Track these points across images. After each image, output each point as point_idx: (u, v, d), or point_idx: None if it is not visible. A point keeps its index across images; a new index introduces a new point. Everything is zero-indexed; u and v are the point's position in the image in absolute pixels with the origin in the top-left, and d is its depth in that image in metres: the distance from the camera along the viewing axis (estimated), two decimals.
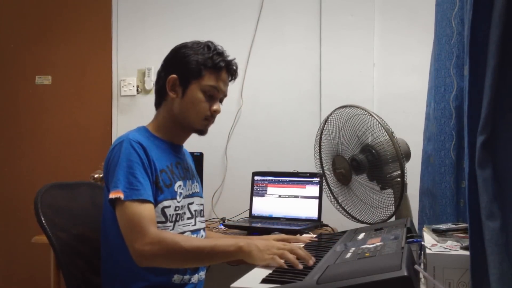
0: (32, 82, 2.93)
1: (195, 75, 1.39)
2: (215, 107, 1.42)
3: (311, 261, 1.10)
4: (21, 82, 2.95)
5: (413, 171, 1.71)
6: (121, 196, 1.23)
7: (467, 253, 0.93)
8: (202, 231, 1.51)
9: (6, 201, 2.93)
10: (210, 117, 1.43)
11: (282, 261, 1.11)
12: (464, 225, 1.25)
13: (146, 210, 1.24)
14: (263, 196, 2.31)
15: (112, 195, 1.24)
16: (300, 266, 1.08)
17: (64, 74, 2.90)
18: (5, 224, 2.92)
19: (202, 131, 1.45)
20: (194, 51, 1.40)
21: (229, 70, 1.45)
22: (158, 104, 1.47)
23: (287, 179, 2.29)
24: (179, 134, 1.47)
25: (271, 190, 2.31)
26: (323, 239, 1.55)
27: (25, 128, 2.94)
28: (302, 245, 1.44)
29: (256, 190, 2.34)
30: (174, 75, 1.39)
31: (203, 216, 1.54)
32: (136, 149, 1.29)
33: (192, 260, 1.28)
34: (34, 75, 2.93)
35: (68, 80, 2.89)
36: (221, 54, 1.42)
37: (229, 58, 1.45)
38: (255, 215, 2.31)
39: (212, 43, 1.44)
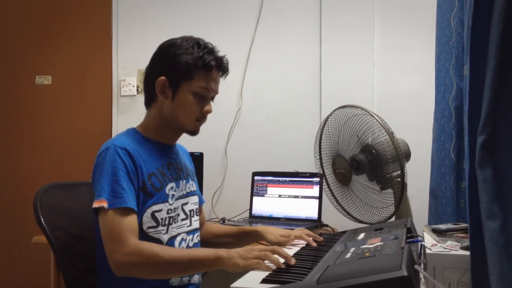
0: (32, 82, 2.93)
1: (185, 77, 1.33)
2: (206, 107, 1.39)
3: (293, 260, 1.12)
4: (21, 82, 2.95)
5: (413, 171, 1.71)
6: (105, 205, 1.22)
7: (467, 253, 0.93)
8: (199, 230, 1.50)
9: (6, 201, 2.93)
10: (202, 118, 1.40)
11: (269, 264, 1.11)
12: (464, 225, 1.25)
13: (128, 220, 1.22)
14: (263, 196, 2.32)
15: (95, 204, 1.23)
16: (282, 265, 1.09)
17: (64, 74, 2.89)
18: (5, 224, 2.92)
19: (193, 132, 1.42)
20: (183, 50, 1.34)
21: (221, 67, 1.39)
22: (147, 104, 1.43)
23: (287, 179, 2.29)
24: (170, 134, 1.44)
25: (271, 190, 2.31)
26: (323, 239, 1.55)
27: (25, 128, 2.93)
28: (302, 244, 1.45)
29: (256, 190, 2.34)
30: (163, 77, 1.34)
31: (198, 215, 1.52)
32: (121, 155, 1.27)
33: (170, 271, 1.25)
34: (34, 75, 2.92)
35: (68, 80, 2.89)
36: (211, 51, 1.36)
37: (220, 54, 1.39)
38: (255, 215, 2.31)
39: (201, 40, 1.38)
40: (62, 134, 2.88)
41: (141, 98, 2.74)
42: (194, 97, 1.36)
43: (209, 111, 1.40)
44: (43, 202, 1.40)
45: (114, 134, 2.80)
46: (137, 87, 2.78)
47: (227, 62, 1.42)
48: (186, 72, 1.33)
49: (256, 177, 2.35)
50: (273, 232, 1.51)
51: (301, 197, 2.22)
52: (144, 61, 2.71)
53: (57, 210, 1.44)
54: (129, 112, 2.80)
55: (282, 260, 1.12)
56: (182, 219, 1.42)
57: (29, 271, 2.84)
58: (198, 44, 1.36)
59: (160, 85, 1.35)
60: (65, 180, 1.81)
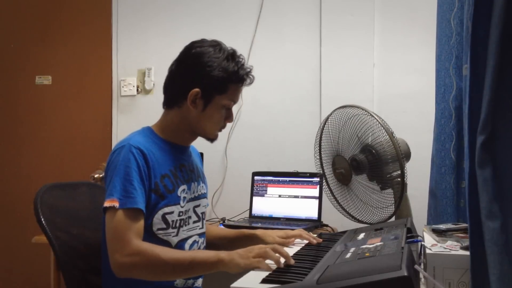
0: (32, 82, 2.93)
1: (219, 91, 1.34)
2: (230, 117, 1.42)
3: (292, 260, 1.13)
4: (21, 82, 2.95)
5: (413, 171, 1.71)
6: (116, 204, 1.21)
7: (467, 253, 0.93)
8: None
9: (6, 201, 2.93)
10: (223, 127, 1.44)
11: (269, 262, 1.11)
12: (464, 225, 1.25)
13: (134, 222, 1.22)
14: (263, 196, 2.31)
15: (107, 203, 1.22)
16: (282, 264, 1.10)
17: (64, 74, 2.90)
18: (5, 224, 2.92)
19: (213, 140, 1.45)
20: (218, 62, 1.33)
21: (251, 81, 1.42)
22: (168, 106, 1.41)
23: (287, 179, 2.29)
24: (187, 137, 1.44)
25: (271, 190, 2.31)
26: (323, 239, 1.55)
27: (25, 128, 2.93)
28: (302, 244, 1.45)
29: (256, 190, 2.34)
30: (197, 89, 1.33)
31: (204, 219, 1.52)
32: (135, 155, 1.26)
33: (171, 272, 1.25)
34: (34, 75, 2.92)
35: (68, 80, 2.89)
36: (243, 65, 1.38)
37: (248, 67, 1.40)
38: (255, 215, 2.31)
39: (232, 50, 1.38)
40: (62, 134, 2.88)
41: (141, 98, 2.78)
42: (223, 109, 1.38)
43: (232, 121, 1.44)
44: (44, 202, 1.40)
45: (114, 134, 2.81)
46: (137, 87, 2.78)
47: (253, 74, 1.42)
48: (221, 87, 1.34)
49: (256, 177, 2.35)
50: (272, 234, 1.51)
51: (301, 197, 2.22)
52: (144, 61, 2.77)
53: (57, 210, 1.44)
54: (129, 112, 2.80)
55: (282, 260, 1.12)
56: (194, 221, 1.42)
57: (29, 271, 2.84)
58: (232, 57, 1.36)
59: (193, 96, 1.34)
60: (65, 180, 1.81)
